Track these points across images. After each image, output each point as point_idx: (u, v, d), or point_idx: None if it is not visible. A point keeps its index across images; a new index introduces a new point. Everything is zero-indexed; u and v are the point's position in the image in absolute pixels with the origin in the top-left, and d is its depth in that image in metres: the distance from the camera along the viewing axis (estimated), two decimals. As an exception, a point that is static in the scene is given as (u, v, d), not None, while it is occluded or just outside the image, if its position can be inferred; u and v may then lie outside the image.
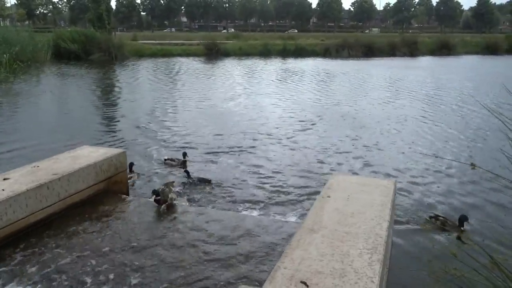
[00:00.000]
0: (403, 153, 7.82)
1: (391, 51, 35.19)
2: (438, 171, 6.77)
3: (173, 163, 6.83)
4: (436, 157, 7.39)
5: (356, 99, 13.94)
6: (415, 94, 14.99)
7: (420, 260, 3.93)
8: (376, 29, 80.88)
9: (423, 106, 12.67)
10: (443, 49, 37.27)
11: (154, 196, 4.35)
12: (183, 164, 6.78)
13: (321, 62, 27.83)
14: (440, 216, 4.83)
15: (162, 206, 4.30)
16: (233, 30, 78.40)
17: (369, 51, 34.17)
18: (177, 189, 5.29)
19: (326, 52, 34.20)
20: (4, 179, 3.92)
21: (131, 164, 6.16)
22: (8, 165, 6.33)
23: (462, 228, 4.58)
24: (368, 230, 3.03)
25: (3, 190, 3.66)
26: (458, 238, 4.40)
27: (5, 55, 19.25)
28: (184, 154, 6.94)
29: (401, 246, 4.28)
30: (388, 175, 6.44)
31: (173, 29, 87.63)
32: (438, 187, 6.07)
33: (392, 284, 3.33)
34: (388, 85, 17.62)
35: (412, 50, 35.76)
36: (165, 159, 6.96)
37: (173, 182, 4.68)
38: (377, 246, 2.82)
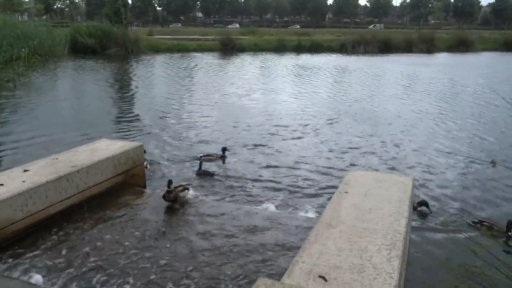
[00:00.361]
0: (421, 149, 7.72)
1: (407, 47, 34.74)
2: (457, 168, 6.68)
3: (211, 157, 6.82)
4: (454, 154, 7.28)
5: (373, 96, 13.81)
6: (431, 91, 14.77)
7: (438, 257, 3.89)
8: (380, 25, 79.37)
9: (440, 103, 12.48)
10: (461, 46, 36.62)
11: (167, 188, 4.22)
12: (222, 158, 6.84)
13: (337, 58, 27.64)
14: (485, 222, 4.63)
15: (166, 202, 4.21)
16: (237, 25, 77.70)
17: (385, 47, 33.79)
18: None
19: (342, 48, 33.91)
20: (24, 171, 3.98)
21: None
22: (28, 157, 6.44)
23: (510, 233, 4.43)
24: (386, 226, 3.01)
25: (23, 181, 3.72)
26: (506, 243, 4.30)
27: (23, 49, 19.55)
28: (224, 150, 6.96)
29: (419, 243, 4.24)
30: (405, 172, 6.37)
31: (179, 24, 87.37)
32: (456, 184, 5.99)
33: (410, 280, 3.29)
34: (404, 81, 17.40)
35: (429, 46, 35.23)
36: (201, 156, 6.86)
37: (188, 186, 4.60)
38: (395, 242, 2.79)
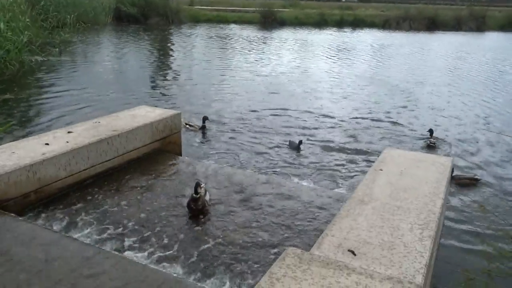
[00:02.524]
0: (464, 131, 7.47)
1: (456, 25, 33.02)
2: (499, 151, 6.44)
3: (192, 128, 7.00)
4: (498, 133, 7.01)
5: (416, 77, 13.35)
6: (478, 76, 14.09)
7: (472, 241, 3.81)
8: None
9: (485, 88, 11.93)
10: (515, 25, 34.43)
11: (194, 192, 3.36)
12: (202, 129, 7.00)
13: (378, 35, 26.72)
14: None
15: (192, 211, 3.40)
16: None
17: (432, 24, 32.26)
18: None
19: (385, 24, 32.68)
20: (68, 132, 4.16)
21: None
22: (72, 119, 6.73)
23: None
24: (420, 206, 2.96)
25: (67, 142, 3.88)
26: None
27: (69, 16, 20.05)
28: (204, 119, 7.11)
29: (454, 225, 4.16)
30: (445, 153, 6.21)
31: None
32: (499, 167, 5.78)
33: (441, 261, 3.25)
34: (452, 64, 16.61)
35: (479, 24, 33.32)
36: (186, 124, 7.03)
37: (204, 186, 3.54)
38: (429, 222, 2.75)
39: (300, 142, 6.41)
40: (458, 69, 14.91)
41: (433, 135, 6.81)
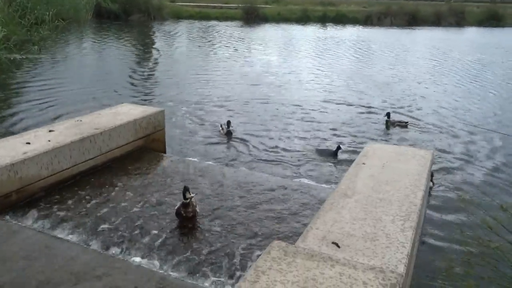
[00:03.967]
0: (444, 125, 7.62)
1: (436, 20, 33.52)
2: (479, 144, 6.59)
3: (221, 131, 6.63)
4: (480, 128, 7.18)
5: (396, 71, 13.53)
6: (458, 69, 14.36)
7: (453, 230, 3.90)
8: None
9: (466, 81, 12.18)
10: (492, 20, 35.12)
11: (182, 200, 3.19)
12: (227, 134, 6.53)
13: (361, 30, 26.95)
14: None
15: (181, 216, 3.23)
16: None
17: (413, 20, 32.68)
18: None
19: (367, 20, 32.97)
20: (50, 131, 4.10)
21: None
22: (52, 117, 6.62)
23: None
24: (402, 198, 3.02)
25: (49, 141, 3.84)
26: None
27: (47, 13, 19.66)
28: (228, 123, 6.65)
29: (434, 216, 4.25)
30: (426, 146, 6.33)
31: None
32: (478, 159, 5.92)
33: (423, 251, 3.33)
34: (431, 58, 16.87)
35: (459, 20, 33.89)
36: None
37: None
38: (410, 213, 2.81)
39: (339, 147, 5.97)
40: (438, 63, 15.16)
41: (390, 118, 7.60)
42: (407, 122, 7.58)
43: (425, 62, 15.42)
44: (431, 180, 4.81)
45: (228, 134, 6.52)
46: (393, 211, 2.82)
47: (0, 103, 7.97)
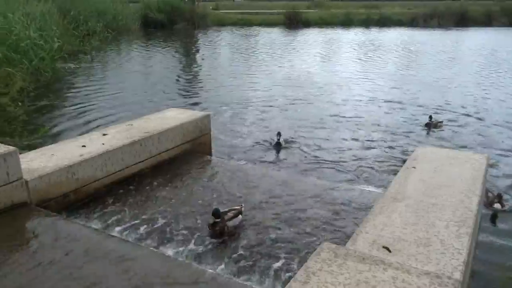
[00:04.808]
0: (499, 129, 7.28)
1: (487, 20, 32.08)
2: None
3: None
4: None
5: (446, 75, 13.05)
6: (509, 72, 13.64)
7: (510, 238, 3.71)
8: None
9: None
10: (550, 19, 33.10)
11: (213, 217, 3.16)
12: (276, 145, 6.32)
13: (406, 33, 26.25)
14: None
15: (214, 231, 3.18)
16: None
17: (461, 21, 31.47)
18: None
19: (413, 22, 32.09)
20: (103, 135, 4.29)
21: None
22: (105, 122, 6.92)
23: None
24: (456, 203, 2.91)
25: (103, 144, 4.01)
26: None
27: (98, 24, 20.61)
28: (278, 135, 6.38)
29: (490, 223, 4.06)
30: (479, 151, 6.06)
31: None
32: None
33: (479, 260, 3.18)
34: (481, 60, 16.14)
35: (512, 19, 32.27)
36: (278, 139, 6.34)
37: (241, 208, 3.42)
38: (466, 219, 2.70)
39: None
40: (489, 66, 14.49)
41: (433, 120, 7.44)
42: (442, 121, 7.56)
43: (475, 64, 14.79)
44: (500, 202, 4.47)
45: (277, 145, 6.30)
46: (446, 216, 2.72)
47: (56, 109, 8.43)
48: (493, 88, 10.80)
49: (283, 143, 6.34)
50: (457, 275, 2.14)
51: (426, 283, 1.83)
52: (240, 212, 3.32)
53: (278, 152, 6.18)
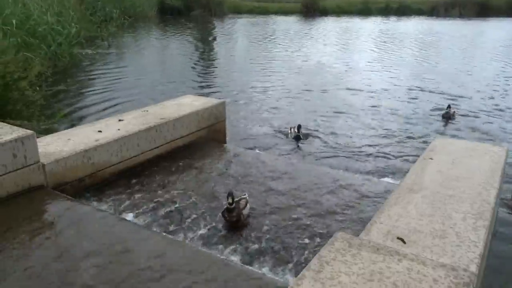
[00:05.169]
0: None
1: (510, 10, 31.16)
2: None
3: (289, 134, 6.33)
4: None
5: (467, 66, 12.77)
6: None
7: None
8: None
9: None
10: None
11: (228, 202, 3.06)
12: (296, 138, 6.24)
13: (426, 22, 25.72)
14: None
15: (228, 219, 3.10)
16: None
17: (483, 10, 30.63)
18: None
19: (433, 11, 31.40)
20: (119, 120, 4.31)
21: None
22: (121, 108, 6.98)
23: None
24: (474, 196, 2.85)
25: (118, 129, 4.04)
26: None
27: (115, 11, 20.66)
28: (299, 127, 6.32)
29: (508, 216, 3.98)
30: (498, 143, 5.94)
31: None
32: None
33: (494, 253, 3.14)
34: (508, 52, 15.71)
35: (538, 8, 31.26)
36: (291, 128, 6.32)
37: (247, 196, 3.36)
38: (483, 212, 2.65)
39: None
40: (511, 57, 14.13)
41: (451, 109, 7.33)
42: (455, 112, 7.46)
43: (496, 56, 14.42)
44: None
45: (297, 138, 6.20)
46: (464, 209, 2.67)
47: (73, 94, 8.52)
48: (515, 80, 10.55)
49: (302, 137, 6.22)
50: (473, 268, 2.10)
51: (442, 275, 1.81)
52: (247, 201, 3.25)
53: (297, 144, 6.08)
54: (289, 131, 6.33)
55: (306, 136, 6.15)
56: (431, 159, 3.47)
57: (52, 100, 7.84)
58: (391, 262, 1.89)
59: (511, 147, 5.81)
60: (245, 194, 3.33)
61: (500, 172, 3.25)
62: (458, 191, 2.91)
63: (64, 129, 4.23)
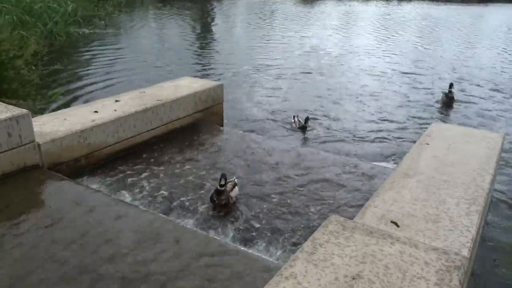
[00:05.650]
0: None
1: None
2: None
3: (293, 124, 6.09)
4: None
5: (466, 53, 12.70)
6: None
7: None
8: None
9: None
10: None
11: (219, 184, 3.08)
12: (302, 129, 5.98)
13: (427, 7, 25.46)
14: None
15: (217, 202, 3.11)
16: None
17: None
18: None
19: (434, -5, 31.02)
20: (116, 101, 4.29)
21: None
22: (118, 89, 6.93)
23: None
24: (468, 181, 2.87)
25: (115, 110, 4.02)
26: None
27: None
28: (307, 119, 6.04)
29: (501, 202, 4.02)
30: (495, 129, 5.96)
31: None
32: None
33: (487, 237, 3.17)
34: (502, 38, 15.63)
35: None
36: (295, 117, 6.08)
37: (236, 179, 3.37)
38: (477, 197, 2.67)
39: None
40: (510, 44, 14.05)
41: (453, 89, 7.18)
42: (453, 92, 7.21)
43: (494, 42, 14.34)
44: None
45: (303, 128, 5.97)
46: (458, 194, 2.69)
47: (70, 74, 8.44)
48: (514, 67, 10.51)
49: (308, 128, 6.01)
50: (465, 252, 2.13)
51: (433, 258, 1.83)
52: (235, 184, 3.26)
53: (304, 135, 5.86)
54: (293, 120, 6.12)
55: (306, 120, 6.04)
56: (427, 144, 3.48)
57: (48, 79, 7.77)
58: (383, 245, 1.91)
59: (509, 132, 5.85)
60: (233, 178, 3.32)
61: (495, 158, 3.27)
62: (453, 176, 2.93)
63: (60, 109, 4.20)
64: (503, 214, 3.88)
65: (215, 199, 3.09)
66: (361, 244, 1.90)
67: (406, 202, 2.59)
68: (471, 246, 2.21)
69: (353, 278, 1.70)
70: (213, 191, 3.16)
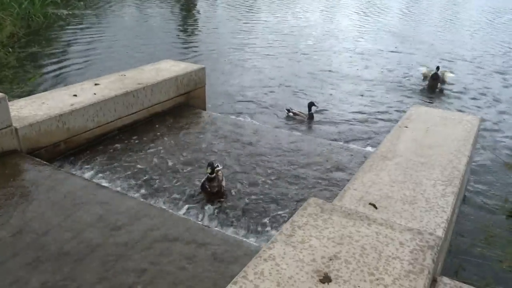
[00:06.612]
0: (491, 91, 7.25)
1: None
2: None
3: (298, 117, 5.91)
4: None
5: (448, 35, 12.81)
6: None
7: (495, 198, 3.79)
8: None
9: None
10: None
11: (208, 172, 3.01)
12: (310, 118, 5.86)
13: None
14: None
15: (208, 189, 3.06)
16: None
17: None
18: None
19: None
20: (95, 84, 4.22)
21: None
22: (97, 71, 6.81)
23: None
24: (445, 163, 2.93)
25: (94, 94, 3.96)
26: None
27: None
28: (310, 105, 5.88)
29: (478, 183, 4.12)
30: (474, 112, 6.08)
31: None
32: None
33: (463, 218, 3.26)
34: (485, 20, 15.80)
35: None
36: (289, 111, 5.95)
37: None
38: (453, 179, 2.73)
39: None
40: (491, 26, 14.21)
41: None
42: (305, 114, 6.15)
43: (477, 25, 14.49)
44: None
45: (311, 117, 5.85)
46: (434, 176, 2.75)
47: (48, 56, 8.25)
48: (498, 56, 10.66)
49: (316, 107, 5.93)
50: (439, 232, 2.19)
51: (408, 239, 1.88)
52: (222, 174, 3.20)
53: (310, 124, 5.78)
54: (289, 114, 5.96)
55: (310, 107, 5.88)
56: (406, 127, 3.53)
57: (25, 62, 7.58)
58: (360, 226, 1.95)
59: (491, 115, 5.96)
60: (218, 166, 3.17)
61: (472, 140, 3.34)
62: (430, 158, 2.99)
63: (38, 92, 4.11)
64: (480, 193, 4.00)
65: (207, 186, 3.03)
66: (339, 226, 1.94)
67: (384, 184, 2.64)
68: (446, 226, 2.28)
69: (330, 259, 1.74)
70: (204, 178, 3.08)
